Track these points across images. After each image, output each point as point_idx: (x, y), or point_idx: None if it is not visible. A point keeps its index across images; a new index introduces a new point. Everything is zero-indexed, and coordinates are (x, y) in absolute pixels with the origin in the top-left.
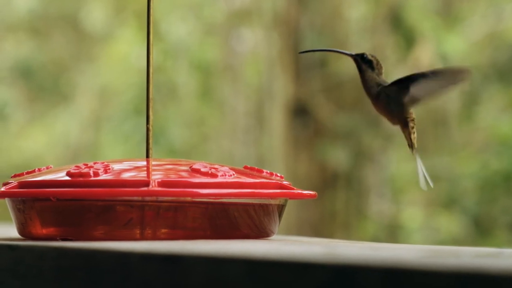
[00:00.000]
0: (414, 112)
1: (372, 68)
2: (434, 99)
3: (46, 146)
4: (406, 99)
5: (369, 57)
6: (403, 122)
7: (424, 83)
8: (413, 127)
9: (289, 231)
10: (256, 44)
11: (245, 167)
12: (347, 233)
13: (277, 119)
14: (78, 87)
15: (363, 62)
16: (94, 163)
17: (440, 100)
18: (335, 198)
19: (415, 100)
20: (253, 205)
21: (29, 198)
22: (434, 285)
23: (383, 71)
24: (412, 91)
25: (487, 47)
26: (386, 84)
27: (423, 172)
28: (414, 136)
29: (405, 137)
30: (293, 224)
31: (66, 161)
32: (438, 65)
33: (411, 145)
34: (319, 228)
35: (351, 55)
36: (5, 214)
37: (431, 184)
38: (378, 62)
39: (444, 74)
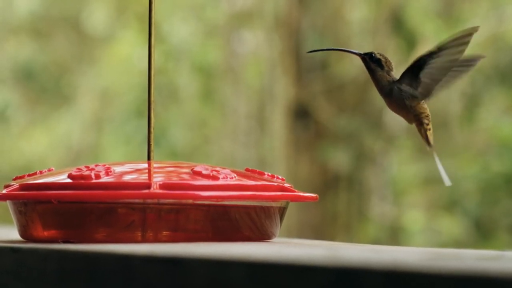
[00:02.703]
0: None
1: (381, 67)
2: (448, 83)
3: (48, 148)
4: (419, 89)
5: (378, 56)
6: (418, 119)
7: (433, 64)
8: (428, 124)
9: (290, 233)
10: (257, 46)
11: (247, 170)
12: (349, 235)
13: (278, 121)
14: (80, 88)
15: (372, 61)
16: (96, 166)
17: (441, 102)
18: (336, 200)
19: (428, 88)
20: (254, 207)
21: (30, 201)
22: None
23: (393, 67)
24: (423, 77)
25: (488, 49)
26: (397, 80)
27: (442, 169)
28: (430, 133)
29: (421, 135)
30: (294, 226)
31: (68, 162)
32: None
33: (428, 143)
34: (320, 230)
35: (359, 54)
36: (7, 216)
37: (449, 182)
38: (387, 60)
39: (451, 47)
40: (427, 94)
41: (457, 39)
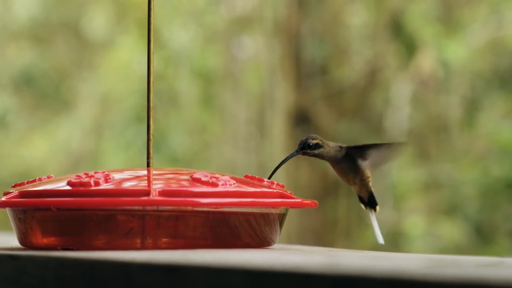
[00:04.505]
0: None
1: (322, 146)
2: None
3: (47, 154)
4: (366, 162)
5: (313, 141)
6: (363, 182)
7: (374, 153)
8: (371, 186)
9: (291, 239)
10: (257, 51)
11: (246, 176)
12: (349, 240)
13: (278, 126)
14: (80, 94)
15: (312, 149)
16: (95, 173)
17: (441, 107)
18: (336, 205)
19: (371, 164)
20: (254, 214)
21: (29, 208)
22: None
23: (328, 141)
24: (368, 158)
25: (488, 54)
26: (348, 146)
27: (377, 227)
28: (373, 191)
29: (363, 197)
30: (295, 231)
31: (67, 168)
32: (439, 73)
33: (371, 204)
34: (320, 236)
35: (297, 153)
36: (6, 223)
37: (382, 241)
38: (321, 139)
39: (386, 148)
40: (367, 168)
41: (390, 146)
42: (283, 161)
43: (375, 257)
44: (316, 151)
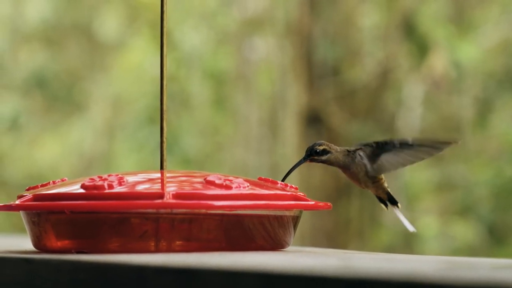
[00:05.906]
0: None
1: (330, 152)
2: (405, 166)
3: (60, 156)
4: (375, 165)
5: (320, 148)
6: (377, 184)
7: (399, 153)
8: (387, 186)
9: (304, 240)
10: (269, 53)
11: (260, 179)
12: (362, 242)
13: (291, 128)
14: (92, 96)
15: (319, 155)
16: (109, 176)
17: (453, 108)
18: (349, 207)
19: (382, 169)
20: (268, 216)
21: (43, 211)
22: None
23: (335, 146)
24: (383, 159)
25: (500, 54)
26: (358, 147)
27: (404, 219)
28: (390, 191)
29: (382, 197)
30: (308, 233)
31: (80, 170)
32: (452, 73)
33: (394, 202)
34: (333, 237)
35: (305, 160)
36: (20, 226)
37: (413, 229)
38: (328, 144)
39: (425, 147)
40: (378, 173)
41: (436, 142)
42: (291, 169)
43: (389, 259)
44: (323, 157)
